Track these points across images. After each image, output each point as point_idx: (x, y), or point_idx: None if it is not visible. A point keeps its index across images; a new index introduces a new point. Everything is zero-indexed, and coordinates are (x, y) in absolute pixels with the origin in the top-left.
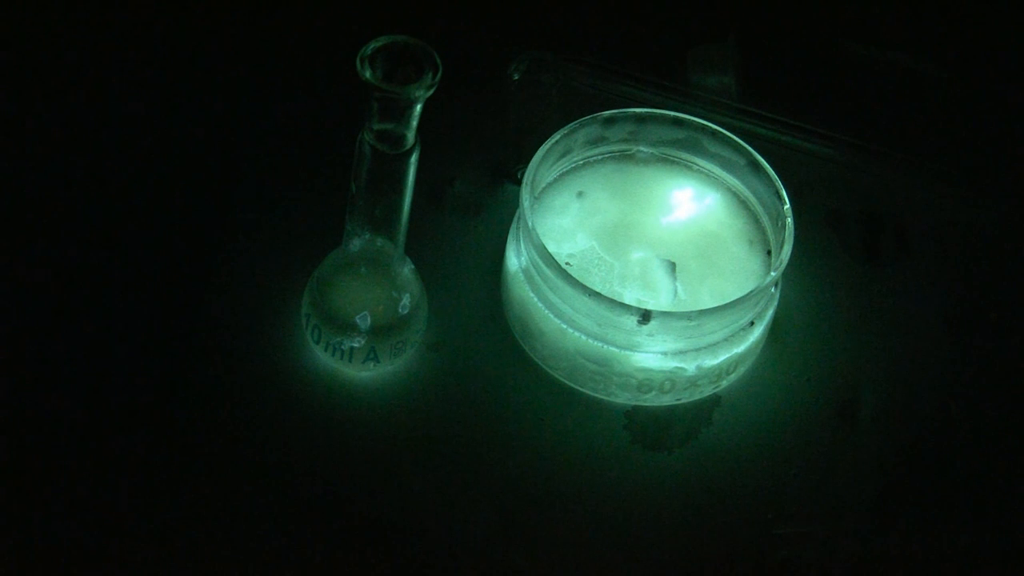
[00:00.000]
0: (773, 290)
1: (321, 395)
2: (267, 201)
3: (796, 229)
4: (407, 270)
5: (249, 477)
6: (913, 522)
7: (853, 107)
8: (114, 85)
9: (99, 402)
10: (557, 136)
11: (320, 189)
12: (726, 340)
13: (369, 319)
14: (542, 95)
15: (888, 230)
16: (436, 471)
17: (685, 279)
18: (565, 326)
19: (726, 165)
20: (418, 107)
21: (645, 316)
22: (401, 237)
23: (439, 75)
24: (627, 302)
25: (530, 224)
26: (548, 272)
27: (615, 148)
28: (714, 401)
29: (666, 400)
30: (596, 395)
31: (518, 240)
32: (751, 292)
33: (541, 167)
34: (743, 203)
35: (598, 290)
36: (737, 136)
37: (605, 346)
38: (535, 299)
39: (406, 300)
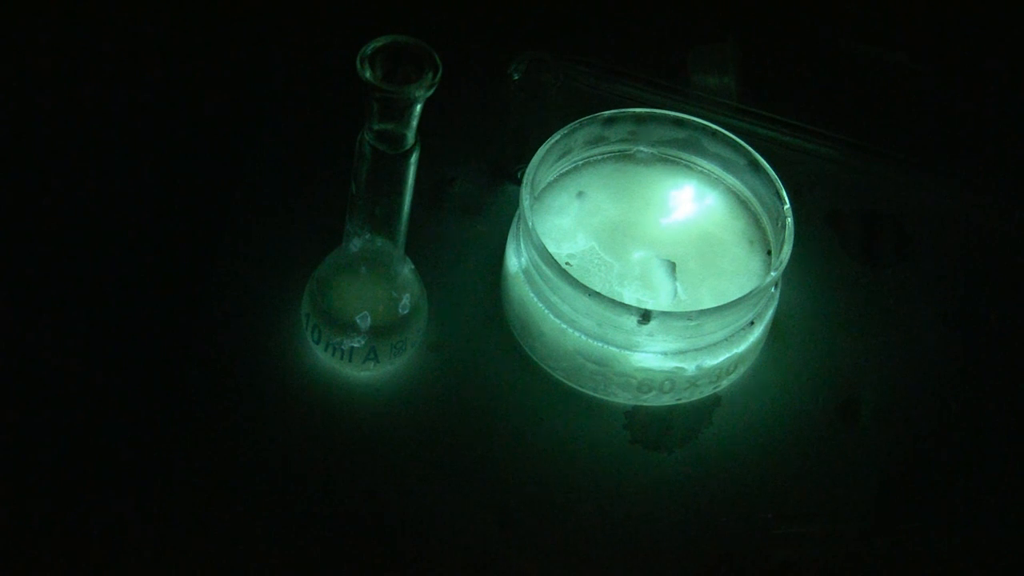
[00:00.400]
0: (773, 290)
1: (321, 395)
2: (267, 201)
3: (796, 229)
4: (407, 270)
5: (249, 477)
6: (913, 522)
7: (853, 107)
8: (114, 85)
9: (99, 402)
10: (557, 136)
11: (320, 189)
12: (726, 340)
13: (369, 319)
14: (542, 95)
15: (888, 230)
16: (436, 471)
17: (685, 279)
18: (565, 326)
19: (726, 165)
20: (418, 107)
21: (645, 316)
22: (401, 237)
23: (439, 75)
24: (627, 302)
25: (530, 224)
26: (548, 272)
27: (615, 148)
28: (714, 401)
29: (666, 400)
30: (596, 395)
31: (518, 240)
32: (751, 292)
33: (541, 167)
34: (743, 203)
35: (598, 290)
36: (737, 136)
37: (605, 346)
38: (535, 299)
39: (406, 300)
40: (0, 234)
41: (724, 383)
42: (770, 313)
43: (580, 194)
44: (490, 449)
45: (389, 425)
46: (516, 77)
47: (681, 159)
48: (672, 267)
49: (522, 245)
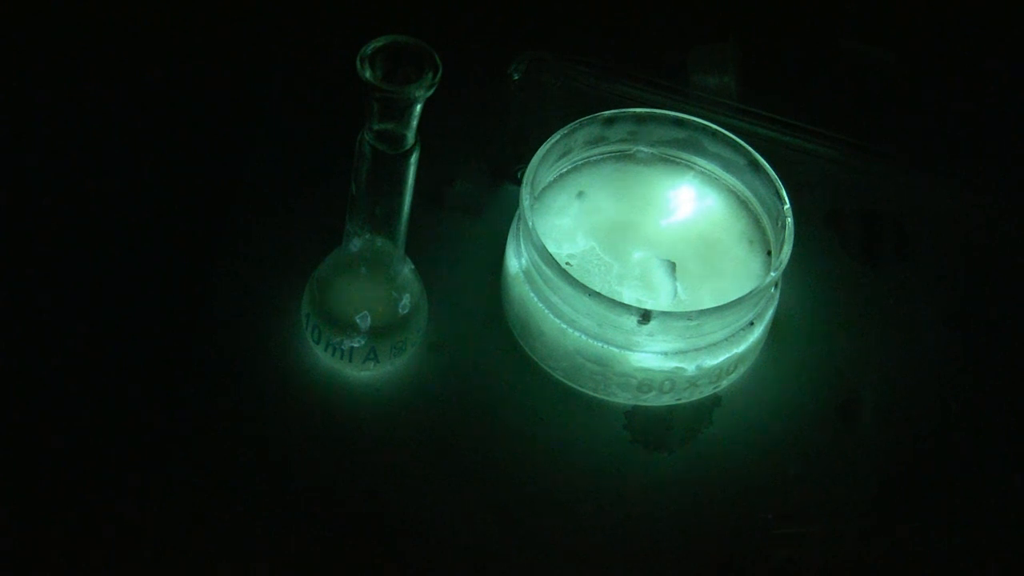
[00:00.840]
0: (773, 290)
1: (321, 395)
2: (267, 201)
3: (796, 229)
4: (407, 270)
5: (249, 477)
6: (913, 522)
7: (853, 107)
8: (114, 85)
9: (99, 402)
10: (557, 136)
11: (320, 189)
12: (726, 340)
13: (369, 319)
14: (542, 95)
15: (888, 230)
16: (436, 471)
17: (685, 279)
18: (565, 326)
19: (726, 165)
20: (418, 107)
21: (645, 316)
22: (401, 237)
23: (439, 75)
24: (627, 302)
25: (530, 224)
26: (548, 272)
27: (615, 148)
28: (714, 401)
29: (666, 400)
30: (596, 395)
31: (518, 240)
32: (751, 292)
33: (541, 167)
34: (743, 203)
35: (598, 290)
36: (737, 136)
37: (605, 346)
38: (535, 299)
39: (406, 300)
40: (1, 235)
41: (724, 383)
42: (770, 313)
43: (580, 194)
44: (490, 449)
45: (389, 425)
46: (516, 77)
47: (681, 159)
48: (672, 267)
49: (522, 245)
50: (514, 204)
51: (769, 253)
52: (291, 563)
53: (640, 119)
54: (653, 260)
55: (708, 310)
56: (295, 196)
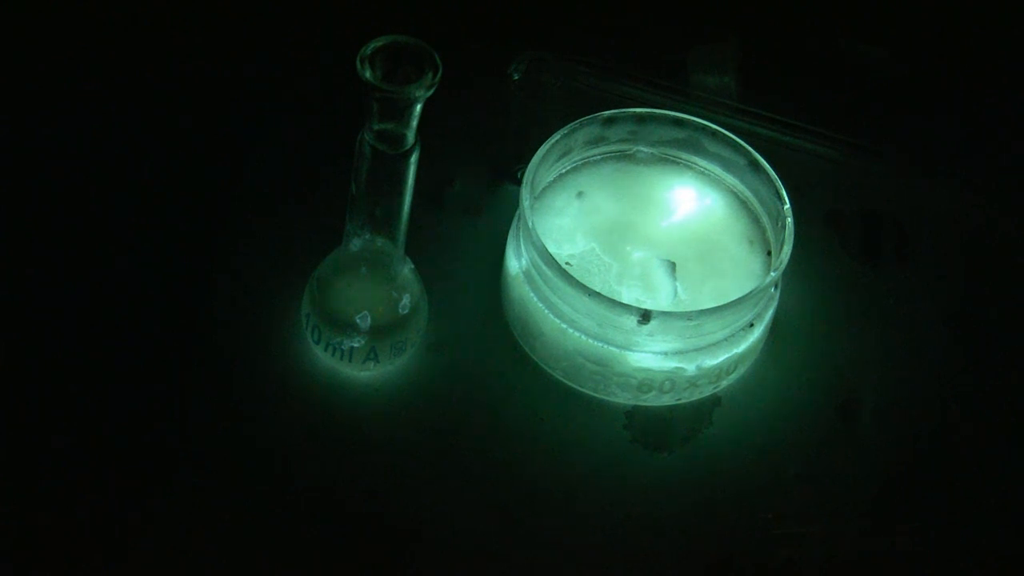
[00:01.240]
0: (773, 290)
1: (321, 395)
2: (267, 201)
3: (796, 229)
4: (407, 270)
5: (249, 477)
6: (913, 522)
7: (853, 107)
8: (114, 85)
9: (99, 402)
10: (557, 136)
11: (320, 189)
12: (726, 340)
13: (369, 319)
14: (542, 95)
15: (888, 230)
16: (436, 471)
17: (685, 279)
18: (565, 326)
19: (726, 165)
20: (418, 107)
21: (645, 316)
22: (401, 237)
23: (439, 75)
24: (627, 302)
25: (530, 224)
26: (548, 272)
27: (615, 148)
28: (714, 401)
29: (666, 400)
30: (596, 395)
31: (518, 240)
32: (751, 292)
33: (541, 167)
34: (743, 203)
35: (598, 290)
36: (737, 136)
37: (605, 346)
38: (535, 299)
39: (406, 300)
40: (2, 235)
41: (724, 383)
42: (770, 313)
43: (580, 194)
44: (490, 449)
45: (389, 425)
46: (516, 77)
47: (681, 159)
48: (672, 267)
49: (522, 245)
50: (514, 204)
51: (769, 253)
52: (291, 563)
53: (640, 119)
54: (653, 260)
55: (708, 310)
56: (295, 196)
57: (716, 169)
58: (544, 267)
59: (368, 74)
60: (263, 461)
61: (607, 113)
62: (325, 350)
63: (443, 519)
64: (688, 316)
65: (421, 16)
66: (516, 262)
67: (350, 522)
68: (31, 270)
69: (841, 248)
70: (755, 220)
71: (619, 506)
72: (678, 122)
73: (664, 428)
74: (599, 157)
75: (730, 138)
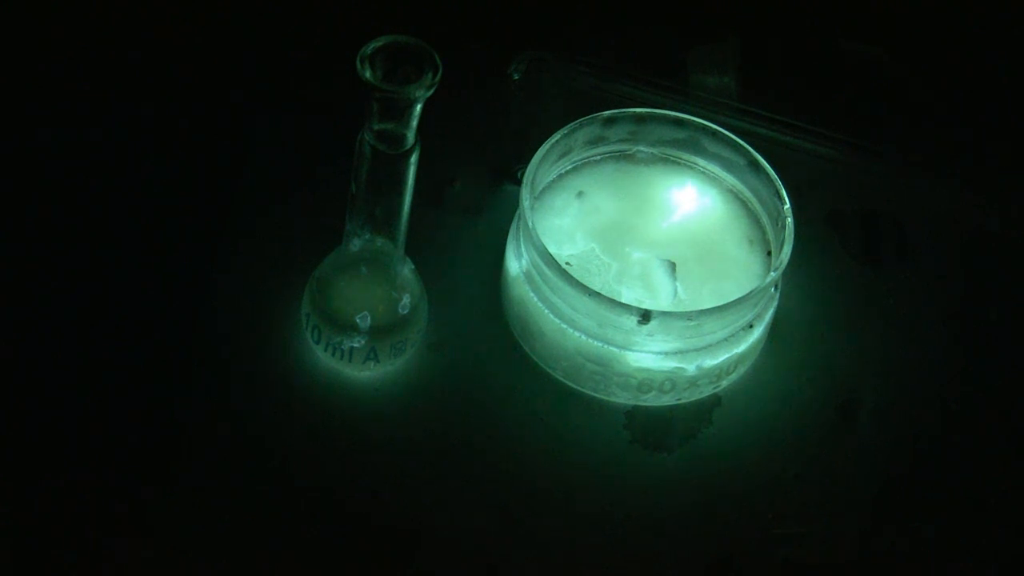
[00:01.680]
0: (773, 290)
1: (321, 395)
2: (267, 201)
3: (796, 229)
4: (407, 270)
5: (249, 477)
6: (913, 522)
7: (853, 107)
8: (114, 85)
9: (99, 402)
10: (557, 136)
11: (320, 189)
12: (726, 340)
13: (369, 319)
14: (542, 95)
15: (888, 230)
16: (436, 471)
17: (685, 279)
18: (565, 326)
19: (726, 165)
20: (418, 107)
21: (645, 316)
22: (401, 237)
23: (439, 75)
24: (627, 302)
25: (530, 224)
26: (548, 272)
27: (615, 148)
28: (714, 401)
29: (666, 400)
30: (596, 395)
31: (518, 240)
32: (751, 292)
33: (541, 167)
34: (743, 203)
35: (598, 290)
36: (737, 136)
37: (605, 346)
38: (535, 299)
39: (406, 300)
40: (2, 235)
41: (724, 383)
42: (770, 313)
43: (580, 194)
44: (490, 449)
45: (389, 425)
46: (516, 77)
47: (681, 159)
48: (672, 267)
49: (522, 245)
50: (514, 204)
51: (769, 253)
52: (291, 563)
53: (640, 119)
54: (653, 260)
55: (708, 310)
56: (295, 196)
57: (716, 169)
58: (544, 267)
59: (368, 74)
60: (263, 461)
61: (607, 113)
62: (325, 350)
63: (443, 519)
64: (688, 316)
65: (421, 16)
66: (516, 262)
67: (350, 522)
68: (31, 270)
69: (841, 248)
70: (755, 220)
71: (619, 506)
72: (678, 122)
73: (664, 428)
74: (599, 157)
75: (730, 138)
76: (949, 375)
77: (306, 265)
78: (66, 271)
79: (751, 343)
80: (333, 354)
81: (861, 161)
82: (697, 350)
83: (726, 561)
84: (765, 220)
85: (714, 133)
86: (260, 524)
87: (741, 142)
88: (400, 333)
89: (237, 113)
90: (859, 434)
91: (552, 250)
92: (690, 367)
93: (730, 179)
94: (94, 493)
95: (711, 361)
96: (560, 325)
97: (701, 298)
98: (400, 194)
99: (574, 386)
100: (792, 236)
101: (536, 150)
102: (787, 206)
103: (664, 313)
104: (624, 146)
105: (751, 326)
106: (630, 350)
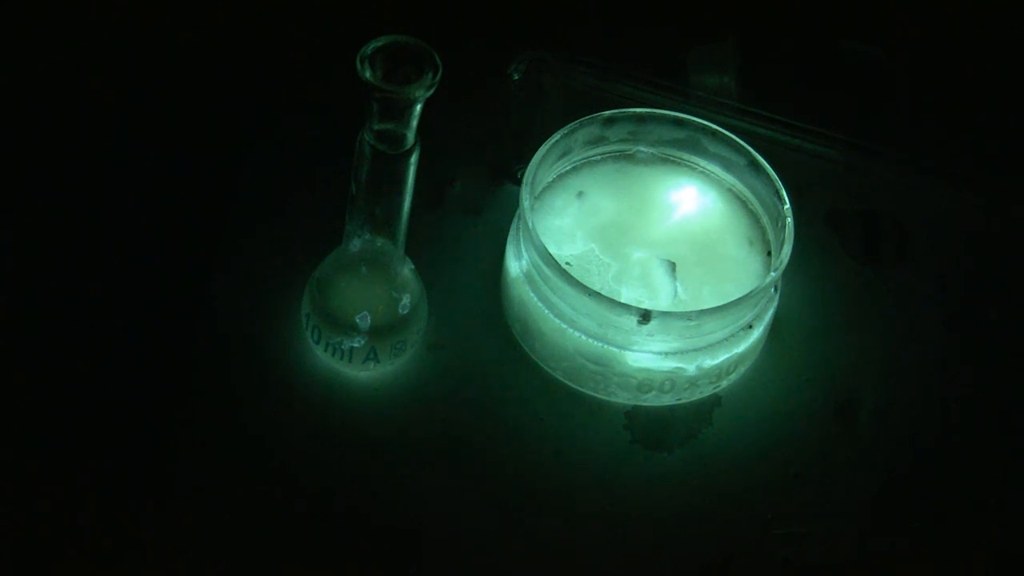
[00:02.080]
0: (773, 290)
1: (321, 395)
2: (267, 201)
3: (796, 229)
4: (407, 270)
5: (249, 477)
6: (913, 522)
7: (853, 107)
8: (114, 85)
9: (99, 402)
10: (557, 136)
11: (320, 189)
12: (726, 340)
13: (369, 319)
14: (542, 95)
15: (888, 230)
16: (436, 471)
17: (685, 279)
18: (565, 326)
19: (726, 165)
20: (418, 107)
21: (645, 316)
22: (401, 237)
23: (439, 75)
24: (627, 302)
25: (530, 224)
26: (548, 272)
27: (615, 148)
28: (714, 401)
29: (666, 400)
30: (596, 395)
31: (518, 240)
32: (751, 292)
33: (541, 167)
34: (743, 203)
35: (598, 290)
36: (737, 136)
37: (605, 346)
38: (535, 299)
39: (406, 300)
40: (1, 235)
41: (724, 383)
42: (770, 313)
43: (580, 194)
44: (490, 449)
45: (389, 425)
46: (516, 77)
47: (681, 159)
48: (672, 267)
49: (522, 245)
50: (514, 204)
51: (769, 253)
52: (292, 563)
53: (640, 119)
54: (653, 260)
55: (708, 310)
56: (295, 196)
57: (716, 169)
58: (544, 267)
59: (368, 74)
60: (263, 461)
61: (607, 113)
62: (325, 350)
63: (443, 519)
64: (688, 316)
65: (421, 16)
66: (516, 262)
67: (350, 522)
68: (31, 270)
69: (841, 248)
70: (755, 220)
71: (619, 506)
72: (678, 122)
73: (664, 428)
74: (599, 157)
75: (730, 138)
76: (949, 375)
77: (306, 265)
78: (66, 271)
79: (751, 343)
80: (333, 354)
81: (861, 161)
82: (697, 350)
83: (726, 561)
84: (765, 220)
85: (714, 133)
86: (260, 524)
87: (741, 142)
88: (400, 333)
89: (237, 113)
90: (859, 434)
91: (552, 250)
92: (690, 367)
93: (730, 179)
94: (94, 493)
95: (711, 361)
96: (560, 325)
97: (701, 298)
98: (400, 194)
99: (574, 386)
100: (792, 236)
101: (536, 150)
102: (787, 206)
103: (664, 313)
104: (624, 146)
105: (751, 326)
106: (630, 350)
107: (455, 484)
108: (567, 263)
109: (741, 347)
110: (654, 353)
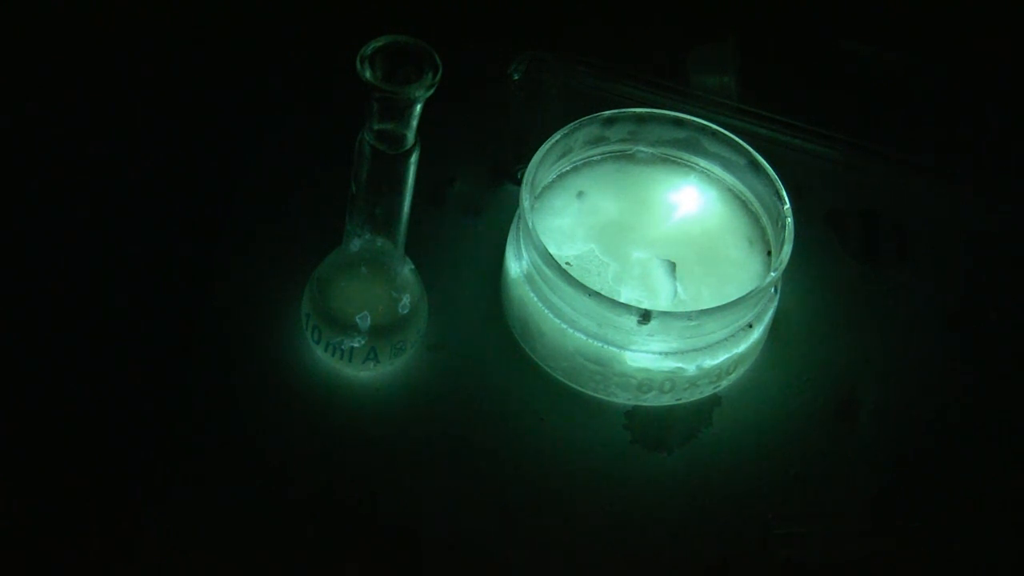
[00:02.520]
0: (773, 290)
1: (321, 395)
2: (267, 201)
3: (796, 229)
4: (407, 270)
5: (249, 477)
6: (913, 522)
7: (853, 107)
8: (114, 85)
9: (99, 402)
10: (557, 136)
11: (320, 189)
12: (726, 340)
13: (369, 319)
14: (542, 95)
15: (888, 230)
16: (436, 471)
17: (685, 279)
18: (565, 326)
19: (726, 165)
20: (418, 107)
21: (645, 316)
22: (401, 237)
23: (439, 75)
24: (627, 302)
25: (530, 224)
26: (548, 272)
27: (615, 148)
28: (714, 401)
29: (666, 400)
30: (596, 395)
31: (518, 240)
32: (751, 292)
33: (541, 167)
34: (743, 203)
35: (598, 290)
36: (737, 136)
37: (605, 346)
38: (535, 299)
39: (406, 300)
40: (2, 235)
41: (724, 383)
42: (770, 313)
43: (580, 194)
44: (490, 449)
45: (389, 425)
46: (516, 77)
47: (681, 159)
48: (672, 267)
49: (522, 245)
50: (514, 204)
51: (769, 253)
52: (291, 563)
53: (640, 119)
54: (653, 260)
55: (708, 310)
56: (295, 196)
57: (716, 169)
58: (544, 267)
59: (368, 74)
60: (263, 461)
61: (607, 113)
62: (325, 350)
63: (443, 519)
64: (688, 316)
65: (421, 16)
66: (516, 262)
67: (350, 522)
68: (31, 271)
69: (841, 248)
70: (755, 220)
71: (619, 506)
72: (678, 122)
73: (664, 428)
74: (599, 157)
75: (730, 138)
76: (949, 375)
77: (306, 265)
78: (66, 272)
79: (751, 343)
80: (333, 354)
81: (861, 161)
82: (697, 350)
83: (725, 561)
84: (765, 220)
85: (714, 133)
86: (260, 524)
87: (741, 142)
88: (400, 333)
89: (237, 113)
90: (859, 434)
91: (552, 250)
92: (690, 367)
93: (730, 179)
94: (94, 493)
95: (711, 361)
96: (560, 325)
97: (701, 298)
98: (400, 194)
99: (574, 386)
100: (792, 236)
101: (536, 150)
102: (787, 206)
103: (664, 313)
104: (624, 146)
105: (751, 326)
106: (630, 350)
107: (455, 484)
108: (567, 263)
109: (741, 347)
110: (654, 353)
